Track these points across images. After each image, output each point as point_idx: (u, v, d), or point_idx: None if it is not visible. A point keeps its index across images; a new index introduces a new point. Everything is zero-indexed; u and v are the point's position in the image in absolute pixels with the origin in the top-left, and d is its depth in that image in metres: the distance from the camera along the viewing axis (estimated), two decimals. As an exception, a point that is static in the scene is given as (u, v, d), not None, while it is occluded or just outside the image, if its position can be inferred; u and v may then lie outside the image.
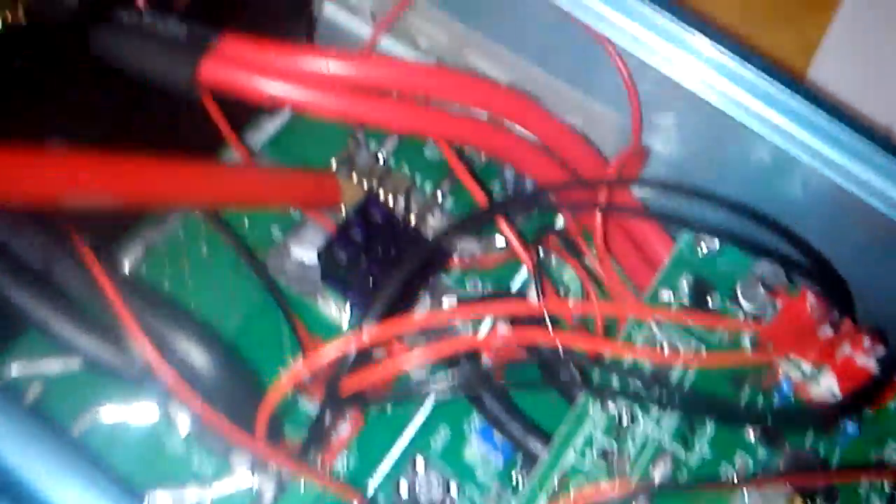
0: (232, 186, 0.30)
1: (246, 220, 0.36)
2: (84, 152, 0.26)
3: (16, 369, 0.28)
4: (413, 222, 0.36)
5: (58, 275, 0.24)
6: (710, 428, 0.29)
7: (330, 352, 0.24)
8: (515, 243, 0.30)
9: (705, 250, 0.33)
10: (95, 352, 0.24)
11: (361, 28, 0.37)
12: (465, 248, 0.37)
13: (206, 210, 0.33)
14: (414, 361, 0.25)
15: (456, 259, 0.37)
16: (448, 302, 0.36)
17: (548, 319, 0.28)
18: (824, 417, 0.28)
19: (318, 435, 0.25)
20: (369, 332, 0.24)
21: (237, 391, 0.25)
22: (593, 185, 0.29)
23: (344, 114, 0.28)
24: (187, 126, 0.32)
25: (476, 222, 0.28)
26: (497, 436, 0.32)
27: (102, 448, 0.30)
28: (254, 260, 0.34)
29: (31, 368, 0.30)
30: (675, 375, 0.30)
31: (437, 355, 0.27)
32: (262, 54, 0.28)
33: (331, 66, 0.28)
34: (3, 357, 0.30)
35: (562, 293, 0.35)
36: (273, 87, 0.28)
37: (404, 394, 0.28)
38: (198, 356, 0.24)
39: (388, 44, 0.37)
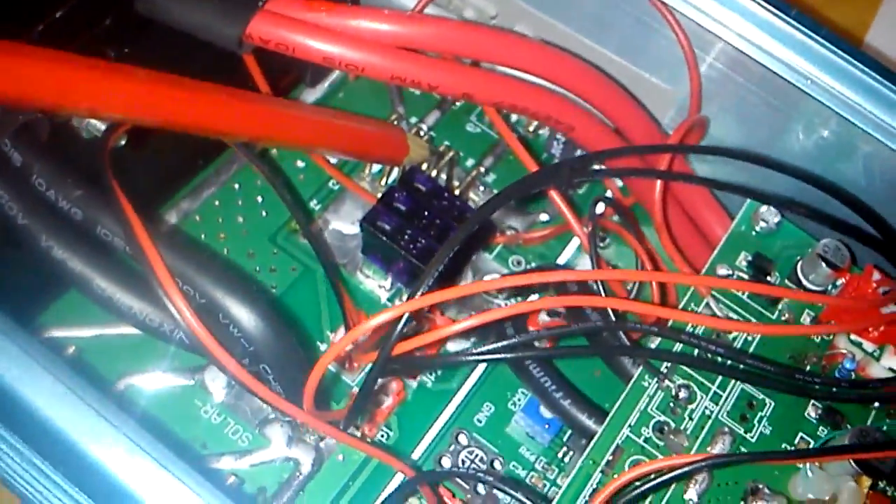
0: (302, 125, 0.29)
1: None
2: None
3: (55, 330, 0.27)
4: (458, 192, 0.35)
5: (99, 229, 0.23)
6: (770, 406, 0.28)
7: (383, 317, 0.23)
8: (566, 211, 0.29)
9: (764, 226, 0.31)
10: (134, 312, 0.22)
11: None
12: (508, 224, 0.36)
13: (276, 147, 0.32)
14: (462, 327, 0.24)
15: (498, 236, 0.36)
16: (489, 278, 0.35)
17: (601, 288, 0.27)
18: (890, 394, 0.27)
19: (365, 401, 0.23)
20: (423, 299, 0.23)
21: (285, 356, 0.24)
22: (655, 151, 0.28)
23: (393, 74, 0.27)
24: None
25: (529, 186, 0.27)
26: (543, 412, 0.31)
27: (136, 414, 0.29)
28: (307, 225, 0.33)
29: (69, 330, 0.29)
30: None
31: (485, 321, 0.26)
32: (311, 13, 0.27)
33: (382, 25, 0.27)
34: (43, 316, 0.29)
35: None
36: (322, 46, 0.27)
37: (453, 359, 0.27)
38: (246, 317, 0.23)
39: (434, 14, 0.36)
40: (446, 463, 0.30)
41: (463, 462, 0.30)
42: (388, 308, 0.23)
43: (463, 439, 0.31)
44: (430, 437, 0.31)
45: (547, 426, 0.31)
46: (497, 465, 0.30)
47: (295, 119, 0.29)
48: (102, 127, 0.27)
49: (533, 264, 0.36)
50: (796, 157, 0.32)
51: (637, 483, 0.24)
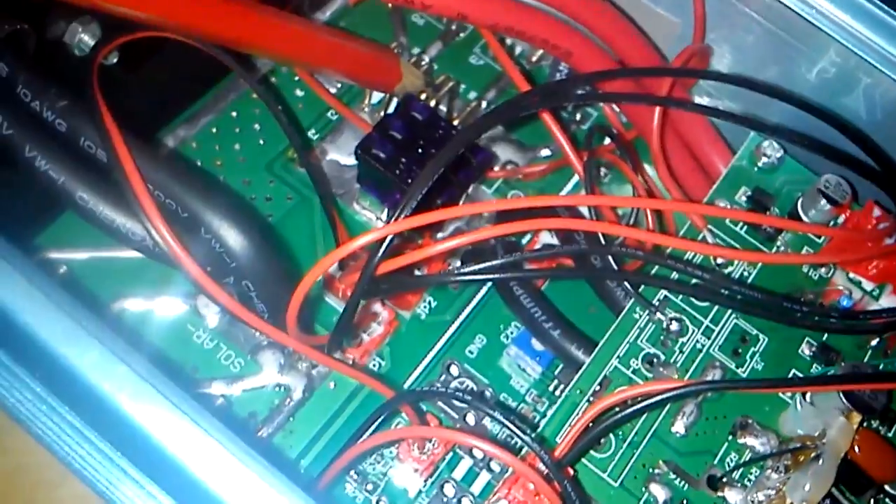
0: (295, 40, 0.28)
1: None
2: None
3: (50, 251, 0.27)
4: (456, 123, 0.34)
5: (82, 140, 0.22)
6: (763, 341, 0.28)
7: (365, 238, 0.23)
8: (561, 139, 0.29)
9: (766, 160, 0.31)
10: (117, 225, 0.22)
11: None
12: (508, 158, 0.36)
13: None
14: (449, 245, 0.24)
15: (497, 169, 0.36)
16: (486, 213, 0.35)
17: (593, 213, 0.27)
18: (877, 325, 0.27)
19: (348, 322, 0.23)
20: (405, 221, 0.23)
21: (269, 274, 0.24)
22: (652, 74, 0.27)
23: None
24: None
25: (519, 108, 0.26)
26: (534, 345, 0.31)
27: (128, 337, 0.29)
28: (305, 154, 0.32)
29: (64, 252, 0.29)
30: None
31: (474, 241, 0.26)
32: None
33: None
34: (39, 238, 0.29)
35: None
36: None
37: (436, 279, 0.27)
38: (227, 232, 0.23)
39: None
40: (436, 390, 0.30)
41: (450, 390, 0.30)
42: (371, 230, 0.22)
43: (454, 370, 0.31)
44: (421, 368, 0.31)
45: (538, 359, 0.30)
46: (487, 395, 0.30)
47: (280, 27, 0.28)
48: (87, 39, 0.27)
49: (533, 198, 0.35)
50: (799, 90, 0.31)
51: (617, 409, 0.24)
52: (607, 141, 0.33)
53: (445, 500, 0.28)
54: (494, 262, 0.24)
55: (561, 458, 0.23)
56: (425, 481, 0.28)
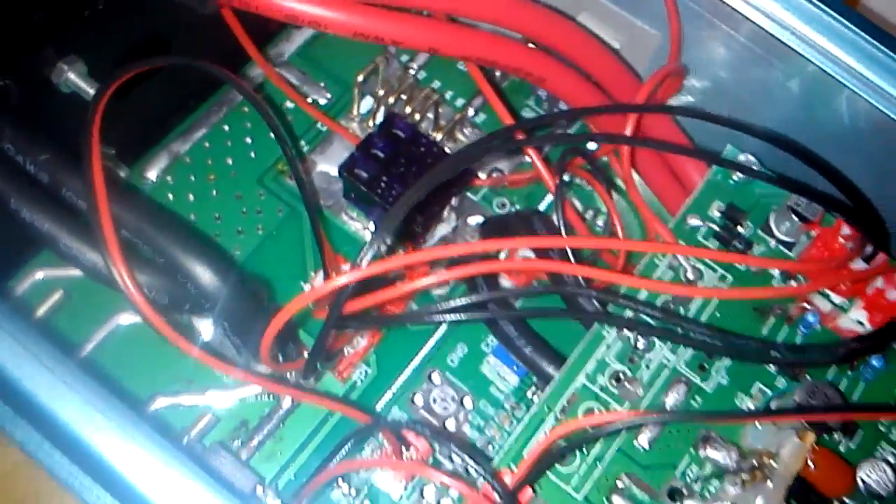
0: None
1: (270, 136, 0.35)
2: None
3: (30, 282, 0.29)
4: (440, 138, 0.35)
5: (64, 191, 0.24)
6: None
7: (330, 285, 0.24)
8: (539, 164, 0.29)
9: (740, 176, 0.31)
10: (95, 268, 0.24)
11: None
12: (494, 165, 0.37)
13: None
14: (424, 284, 0.25)
15: (484, 176, 0.36)
16: (473, 221, 0.36)
17: (569, 250, 0.28)
18: (847, 352, 0.27)
19: (319, 353, 0.25)
20: (369, 267, 0.24)
21: (244, 310, 0.25)
22: (616, 111, 0.28)
23: (356, 31, 0.27)
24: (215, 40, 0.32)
25: (496, 142, 0.27)
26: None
27: (124, 349, 0.31)
28: (295, 163, 0.33)
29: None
30: (695, 305, 0.29)
31: (452, 278, 0.27)
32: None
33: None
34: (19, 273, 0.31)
35: (591, 215, 0.34)
36: (284, 3, 0.27)
37: (416, 316, 0.28)
38: (205, 276, 0.24)
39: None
40: (419, 400, 0.32)
41: (434, 400, 0.32)
42: (337, 277, 0.24)
43: (436, 378, 0.32)
44: (405, 377, 0.32)
45: (515, 367, 0.32)
46: (467, 401, 0.32)
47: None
48: (79, 81, 0.28)
49: (517, 206, 0.36)
50: (777, 104, 0.31)
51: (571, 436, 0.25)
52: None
53: (426, 502, 0.30)
54: (458, 305, 0.25)
55: (515, 484, 0.24)
56: (405, 486, 0.30)
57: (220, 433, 0.31)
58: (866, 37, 0.28)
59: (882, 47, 0.28)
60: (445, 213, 0.35)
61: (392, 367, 0.32)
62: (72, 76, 0.28)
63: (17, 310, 0.25)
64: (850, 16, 0.28)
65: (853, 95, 0.29)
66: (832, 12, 0.28)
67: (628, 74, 0.31)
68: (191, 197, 0.34)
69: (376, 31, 0.27)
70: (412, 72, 0.37)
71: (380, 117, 0.36)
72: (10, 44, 0.26)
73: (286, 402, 0.31)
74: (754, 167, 0.31)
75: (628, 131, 0.28)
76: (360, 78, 0.35)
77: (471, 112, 0.37)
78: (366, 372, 0.32)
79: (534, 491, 0.25)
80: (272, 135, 0.29)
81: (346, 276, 0.23)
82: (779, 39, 0.29)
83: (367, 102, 0.36)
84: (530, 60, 0.29)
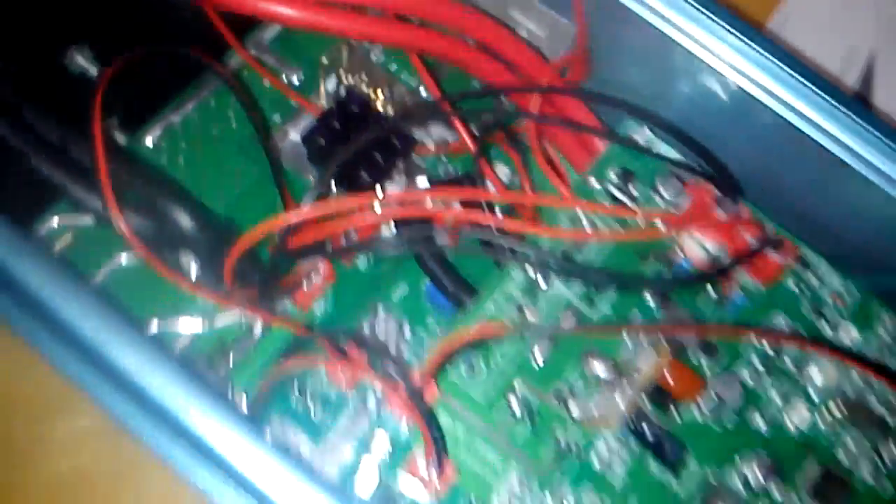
0: None
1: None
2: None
3: (50, 225, 0.36)
4: (392, 112, 0.42)
5: (74, 151, 0.30)
6: (613, 292, 0.35)
7: (273, 224, 0.31)
8: (462, 132, 0.36)
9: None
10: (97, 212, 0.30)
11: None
12: (440, 135, 0.43)
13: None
14: (353, 223, 0.32)
15: (432, 146, 0.43)
16: (420, 181, 0.42)
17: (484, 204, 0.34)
18: (709, 276, 0.34)
19: (268, 281, 0.31)
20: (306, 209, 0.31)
21: (215, 247, 0.32)
22: (521, 91, 0.34)
23: (305, 24, 0.34)
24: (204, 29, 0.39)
25: (423, 111, 0.33)
26: (443, 292, 0.38)
27: (128, 285, 0.37)
28: (265, 135, 0.40)
29: (66, 220, 0.37)
30: (589, 251, 0.36)
31: (383, 220, 0.34)
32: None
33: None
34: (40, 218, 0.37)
35: (510, 176, 0.40)
36: (254, 3, 0.33)
37: (355, 248, 0.35)
38: (183, 219, 0.31)
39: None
40: (366, 328, 0.38)
41: (378, 328, 0.38)
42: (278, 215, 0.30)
43: (381, 310, 0.39)
44: (356, 310, 0.39)
45: (445, 302, 0.38)
46: (405, 330, 0.38)
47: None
48: (85, 64, 0.35)
49: (460, 170, 0.42)
50: (678, 92, 0.37)
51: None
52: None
53: (367, 404, 0.36)
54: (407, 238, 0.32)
55: (421, 381, 0.30)
56: (351, 392, 0.37)
57: (201, 350, 0.37)
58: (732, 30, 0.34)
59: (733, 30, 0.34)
60: (396, 175, 0.41)
61: (346, 301, 0.39)
62: (79, 59, 0.35)
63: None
64: (720, 14, 0.34)
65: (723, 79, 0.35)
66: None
67: (537, 58, 0.37)
68: (181, 160, 0.40)
69: (317, 23, 0.33)
70: (373, 57, 0.43)
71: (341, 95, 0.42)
72: (30, 35, 0.33)
73: (257, 329, 0.38)
74: (641, 142, 0.37)
75: (534, 109, 0.34)
76: (325, 61, 0.42)
77: (422, 91, 0.43)
78: (323, 305, 0.39)
79: (439, 388, 0.32)
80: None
81: (290, 215, 0.30)
82: (669, 37, 0.35)
83: (333, 83, 0.43)
84: (452, 48, 0.35)
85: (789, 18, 0.49)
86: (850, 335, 0.36)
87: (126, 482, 0.43)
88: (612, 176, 0.37)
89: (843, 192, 0.35)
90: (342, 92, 0.42)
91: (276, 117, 0.42)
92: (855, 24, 0.48)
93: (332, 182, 0.40)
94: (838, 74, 0.48)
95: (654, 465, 0.33)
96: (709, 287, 0.36)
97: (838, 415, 0.35)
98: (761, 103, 0.34)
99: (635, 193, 0.36)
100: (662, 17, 0.34)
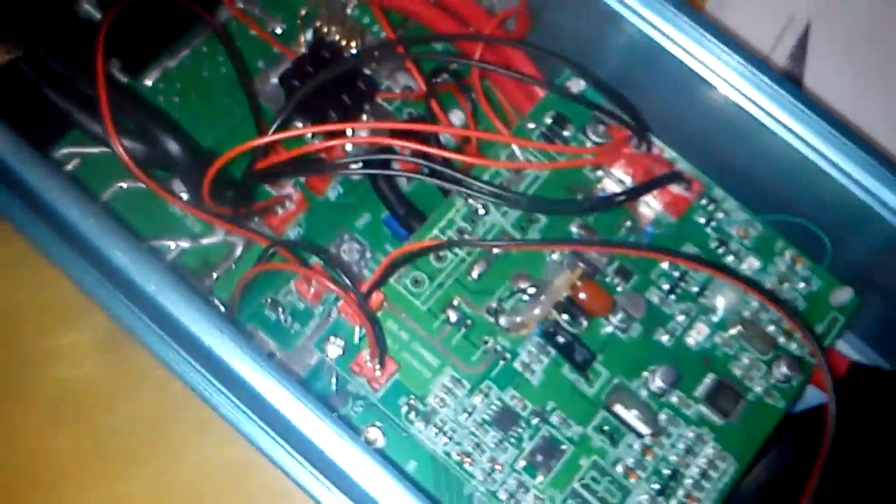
0: None
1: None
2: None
3: (61, 151, 0.42)
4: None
5: (80, 85, 0.36)
6: (543, 220, 0.40)
7: (244, 146, 0.36)
8: (415, 74, 0.41)
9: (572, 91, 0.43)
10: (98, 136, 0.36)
11: None
12: (406, 83, 0.48)
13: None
14: (314, 147, 0.37)
15: (398, 91, 0.48)
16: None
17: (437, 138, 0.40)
18: (617, 200, 0.39)
19: (241, 199, 0.37)
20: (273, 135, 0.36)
21: (200, 172, 0.37)
22: (472, 39, 0.39)
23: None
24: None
25: (380, 51, 0.39)
26: (399, 220, 0.44)
27: (128, 205, 0.43)
28: (246, 78, 0.45)
29: (75, 149, 0.43)
30: (528, 180, 0.41)
31: (343, 143, 0.39)
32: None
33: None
34: (55, 146, 0.43)
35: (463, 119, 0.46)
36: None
37: (315, 169, 0.40)
38: (171, 145, 0.36)
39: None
40: (332, 249, 0.44)
41: (344, 251, 0.44)
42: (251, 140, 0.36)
43: (346, 236, 0.44)
44: (324, 235, 0.44)
45: (401, 230, 0.44)
46: (366, 253, 0.44)
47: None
48: (91, 9, 0.40)
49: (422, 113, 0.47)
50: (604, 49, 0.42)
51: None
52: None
53: (331, 314, 0.42)
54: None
55: (367, 287, 0.36)
56: (316, 305, 0.42)
57: (187, 264, 0.43)
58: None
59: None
60: (364, 117, 0.46)
61: (316, 227, 0.44)
62: (86, 5, 0.40)
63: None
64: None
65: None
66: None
67: (484, 13, 0.42)
68: (176, 99, 0.46)
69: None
70: (347, 11, 0.48)
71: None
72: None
73: (238, 249, 0.44)
74: (581, 87, 0.42)
75: (477, 56, 0.40)
76: (303, 12, 0.47)
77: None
78: (298, 230, 0.44)
79: (389, 300, 0.38)
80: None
81: (259, 139, 0.35)
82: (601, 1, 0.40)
83: (311, 33, 0.48)
84: (409, 2, 0.40)
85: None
86: (751, 265, 0.41)
87: (123, 389, 0.48)
88: (548, 120, 0.42)
89: (749, 140, 0.40)
90: (317, 39, 0.47)
91: (261, 63, 0.48)
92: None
93: (305, 120, 0.46)
94: (776, 39, 0.52)
95: (567, 369, 0.38)
96: (626, 219, 0.41)
97: (735, 333, 0.40)
98: (672, 55, 0.39)
99: (567, 135, 0.41)
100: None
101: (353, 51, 0.47)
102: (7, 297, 0.49)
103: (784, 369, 0.39)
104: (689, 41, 0.38)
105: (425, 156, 0.39)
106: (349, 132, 0.41)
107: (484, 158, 0.40)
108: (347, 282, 0.36)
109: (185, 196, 0.42)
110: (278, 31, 0.48)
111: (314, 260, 0.40)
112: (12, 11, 0.38)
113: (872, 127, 0.50)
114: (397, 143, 0.38)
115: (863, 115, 0.51)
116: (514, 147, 0.41)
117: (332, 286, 0.35)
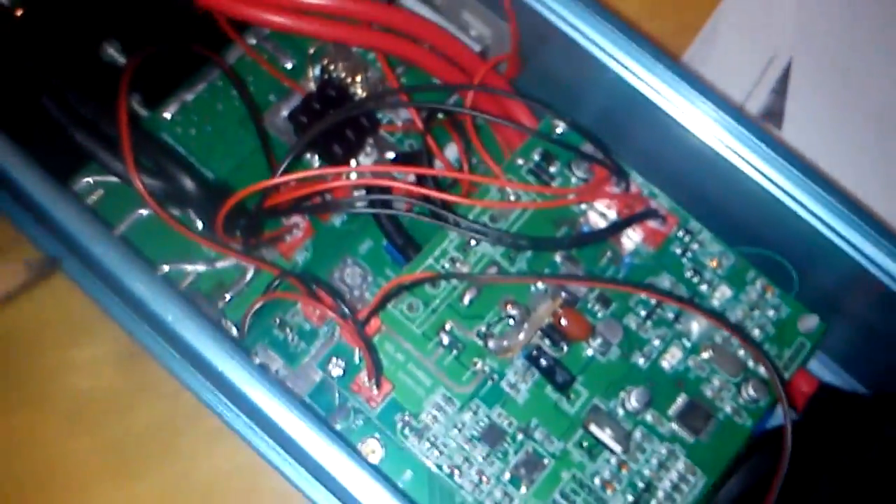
0: None
1: (252, 88, 0.51)
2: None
3: (84, 181, 0.45)
4: (365, 95, 0.50)
5: (104, 126, 0.39)
6: (530, 252, 0.44)
7: (255, 188, 0.39)
8: (414, 117, 0.44)
9: (557, 133, 0.46)
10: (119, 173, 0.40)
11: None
12: (407, 116, 0.51)
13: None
14: (321, 187, 0.40)
15: (400, 124, 0.51)
16: (388, 155, 0.50)
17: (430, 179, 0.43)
18: (598, 236, 0.42)
19: (250, 232, 0.40)
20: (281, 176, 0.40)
21: (213, 206, 0.41)
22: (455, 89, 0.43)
23: (296, 30, 0.42)
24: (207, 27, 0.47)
25: (382, 98, 0.42)
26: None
27: (146, 233, 0.46)
28: (257, 114, 0.49)
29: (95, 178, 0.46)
30: (516, 213, 0.44)
31: (351, 185, 0.42)
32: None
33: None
34: (74, 179, 0.47)
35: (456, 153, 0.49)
36: (245, 11, 0.42)
37: (321, 207, 0.44)
38: (186, 181, 0.40)
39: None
40: (336, 274, 0.47)
41: (347, 275, 0.47)
42: (260, 182, 0.39)
43: (349, 261, 0.47)
44: (330, 259, 0.48)
45: (399, 257, 0.47)
46: (368, 277, 0.47)
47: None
48: (115, 54, 0.43)
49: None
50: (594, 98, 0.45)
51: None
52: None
53: (334, 335, 0.45)
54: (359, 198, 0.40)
55: (364, 314, 0.39)
56: (321, 326, 0.46)
57: (202, 289, 0.47)
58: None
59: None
60: (369, 148, 0.49)
61: (322, 252, 0.48)
62: (110, 51, 0.43)
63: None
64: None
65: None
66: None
67: (477, 59, 0.45)
68: (192, 131, 0.49)
69: (301, 28, 0.41)
70: (352, 48, 0.51)
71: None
72: (71, 31, 0.41)
73: (249, 273, 0.47)
74: (559, 131, 0.45)
75: (468, 104, 0.43)
76: (312, 51, 0.50)
77: (397, 73, 0.52)
78: (305, 255, 0.48)
79: (385, 323, 0.41)
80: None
81: (267, 182, 0.39)
82: (583, 49, 0.43)
83: (318, 69, 0.51)
84: (409, 49, 0.43)
85: (721, 21, 0.56)
86: (724, 294, 0.44)
87: (138, 399, 0.51)
88: (536, 157, 0.45)
89: (723, 180, 0.43)
90: (324, 77, 0.50)
91: (272, 96, 0.51)
92: (777, 31, 0.56)
93: (313, 156, 0.49)
94: (761, 73, 0.55)
95: (549, 389, 0.41)
96: (607, 249, 0.44)
97: (707, 357, 0.43)
98: (650, 101, 0.42)
99: (553, 170, 0.45)
100: (573, 26, 0.42)
101: (358, 85, 0.50)
102: (32, 312, 0.52)
103: (752, 391, 0.42)
104: (667, 89, 0.41)
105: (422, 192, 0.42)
106: (353, 172, 0.44)
107: (473, 200, 0.43)
108: (346, 310, 0.39)
109: (199, 225, 0.45)
110: (288, 66, 0.51)
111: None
112: (40, 52, 0.42)
113: (847, 157, 0.53)
114: (395, 184, 0.41)
115: (837, 147, 0.54)
116: (506, 183, 0.44)
117: (332, 315, 0.39)
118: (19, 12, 0.41)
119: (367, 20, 0.43)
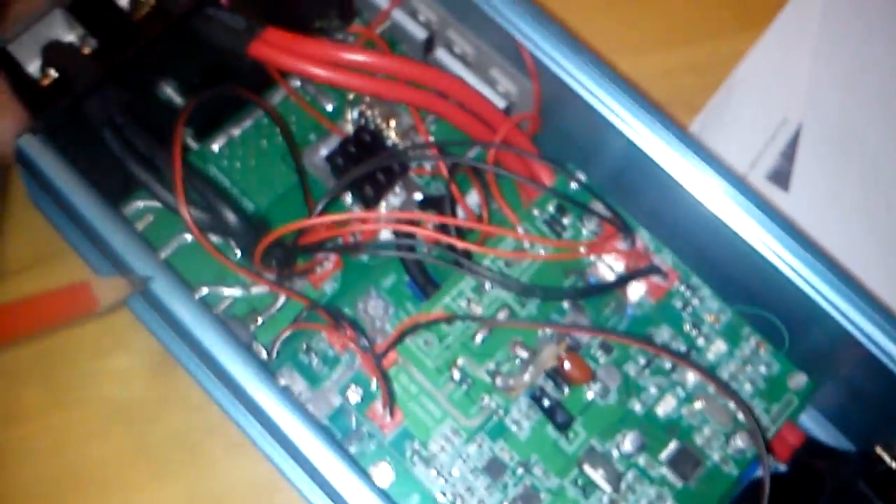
0: None
1: (294, 127, 0.55)
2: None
3: (132, 209, 0.49)
4: (398, 141, 0.54)
5: (158, 161, 0.43)
6: (537, 298, 0.47)
7: (290, 227, 0.43)
8: (442, 168, 0.48)
9: (571, 187, 0.49)
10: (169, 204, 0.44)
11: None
12: (433, 163, 0.55)
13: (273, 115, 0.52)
14: (352, 230, 0.44)
15: (428, 168, 0.55)
16: (416, 196, 0.54)
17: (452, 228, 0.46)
18: (601, 289, 0.46)
19: (285, 265, 0.44)
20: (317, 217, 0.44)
21: (251, 238, 0.44)
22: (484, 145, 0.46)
23: (336, 83, 0.46)
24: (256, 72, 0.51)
25: (413, 151, 0.46)
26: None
27: (188, 257, 0.50)
28: (297, 153, 0.53)
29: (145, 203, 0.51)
30: (527, 262, 0.47)
31: (377, 227, 0.46)
32: (286, 41, 0.46)
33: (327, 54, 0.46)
34: (125, 201, 0.51)
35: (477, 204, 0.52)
36: (291, 63, 0.46)
37: (352, 248, 0.47)
38: (230, 215, 0.44)
39: (398, 15, 0.53)
40: (361, 305, 0.51)
41: (370, 307, 0.50)
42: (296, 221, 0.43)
43: (373, 293, 0.51)
44: (355, 290, 0.51)
45: (419, 292, 0.50)
46: (390, 310, 0.51)
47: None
48: (171, 94, 0.48)
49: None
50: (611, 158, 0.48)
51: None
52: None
53: (354, 363, 0.49)
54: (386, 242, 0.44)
55: (382, 348, 0.43)
56: (343, 354, 0.49)
57: (236, 313, 0.50)
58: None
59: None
60: (398, 189, 0.53)
61: (348, 284, 0.51)
62: (167, 90, 0.48)
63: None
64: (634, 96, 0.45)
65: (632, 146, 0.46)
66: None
67: (500, 114, 0.49)
68: (237, 164, 0.53)
69: (339, 82, 0.45)
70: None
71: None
72: (133, 72, 0.46)
73: (281, 299, 0.51)
74: (572, 186, 0.49)
75: (490, 159, 0.46)
76: (350, 96, 0.54)
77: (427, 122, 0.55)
78: (333, 286, 0.51)
79: (402, 356, 0.44)
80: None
81: (304, 221, 0.42)
82: (598, 113, 0.46)
83: (356, 112, 0.55)
84: (438, 104, 0.47)
85: (737, 83, 0.60)
86: (719, 348, 0.47)
87: (166, 408, 0.55)
88: (550, 209, 0.49)
89: (724, 243, 0.46)
90: (361, 121, 0.54)
91: (312, 136, 0.55)
92: (789, 96, 0.59)
93: (346, 192, 0.53)
94: (770, 137, 0.58)
95: (550, 428, 0.45)
96: (612, 300, 0.47)
97: (699, 407, 0.46)
98: (657, 165, 0.45)
99: (566, 222, 0.48)
100: (591, 92, 0.46)
101: (392, 130, 0.54)
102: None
103: (739, 442, 0.45)
104: (675, 155, 0.45)
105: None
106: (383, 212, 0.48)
107: (489, 249, 0.46)
108: (366, 343, 0.43)
109: (238, 253, 0.49)
110: (329, 108, 0.55)
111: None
112: (104, 89, 0.46)
113: (848, 224, 0.56)
114: (420, 231, 0.45)
115: (840, 213, 0.56)
116: (519, 229, 0.47)
117: (353, 346, 0.42)
118: (87, 50, 0.45)
119: (402, 77, 0.47)
